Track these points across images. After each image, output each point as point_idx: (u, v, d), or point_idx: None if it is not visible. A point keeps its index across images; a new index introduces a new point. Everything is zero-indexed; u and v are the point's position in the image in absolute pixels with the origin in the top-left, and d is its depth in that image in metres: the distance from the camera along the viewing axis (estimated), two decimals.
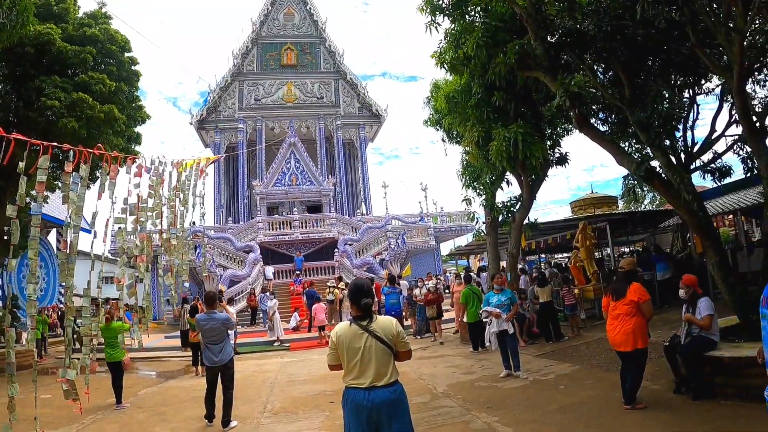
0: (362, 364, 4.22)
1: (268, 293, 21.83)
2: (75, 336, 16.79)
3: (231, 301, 21.22)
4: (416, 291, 17.12)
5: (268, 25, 40.72)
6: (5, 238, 17.33)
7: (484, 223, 15.90)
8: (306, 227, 33.12)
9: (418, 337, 16.28)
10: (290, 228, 32.78)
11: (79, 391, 7.23)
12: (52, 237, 30.36)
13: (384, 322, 4.40)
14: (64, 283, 7.45)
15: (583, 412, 6.83)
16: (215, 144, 39.00)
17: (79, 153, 7.29)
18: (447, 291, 23.93)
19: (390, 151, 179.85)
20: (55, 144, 7.16)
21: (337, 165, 40.24)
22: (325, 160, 39.62)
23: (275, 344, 17.87)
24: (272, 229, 32.90)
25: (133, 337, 19.86)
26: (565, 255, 33.04)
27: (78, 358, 7.53)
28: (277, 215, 35.19)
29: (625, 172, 10.35)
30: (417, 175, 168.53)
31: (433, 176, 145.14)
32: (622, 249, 28.16)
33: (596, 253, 18.19)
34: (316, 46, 40.92)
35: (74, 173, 7.29)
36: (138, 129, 18.67)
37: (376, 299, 16.10)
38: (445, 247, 43.33)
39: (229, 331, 9.28)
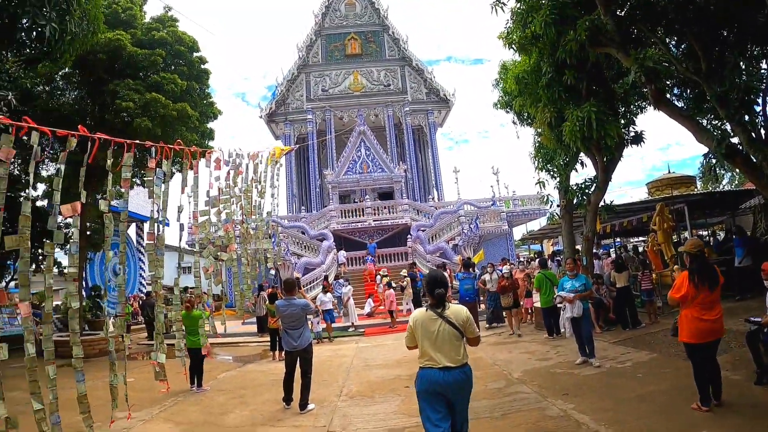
0: (436, 346, 4.69)
1: (341, 280, 22.12)
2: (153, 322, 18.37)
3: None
4: (486, 277, 16.04)
5: (330, 16, 41.14)
6: (88, 233, 18.13)
7: (558, 206, 15.58)
8: (378, 214, 33.35)
9: (488, 326, 15.39)
10: (363, 215, 33.07)
11: (171, 373, 7.94)
12: (131, 231, 31.72)
13: (456, 309, 4.86)
14: (153, 273, 7.81)
15: (661, 401, 6.60)
16: (285, 136, 39.78)
17: (160, 149, 7.56)
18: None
19: (459, 135, 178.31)
20: (137, 141, 7.44)
21: (407, 151, 40.18)
22: (395, 147, 39.68)
23: (350, 330, 18.18)
24: (345, 217, 33.31)
25: (210, 325, 20.93)
26: (641, 239, 31.71)
27: (173, 344, 8.36)
28: (349, 203, 35.57)
29: (703, 150, 9.83)
30: (487, 159, 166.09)
31: (504, 160, 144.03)
32: (700, 232, 26.79)
33: (674, 237, 17.44)
34: (380, 34, 41.00)
35: (157, 169, 7.58)
36: (210, 125, 19.08)
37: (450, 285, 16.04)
38: (518, 232, 42.67)
39: (312, 318, 9.54)
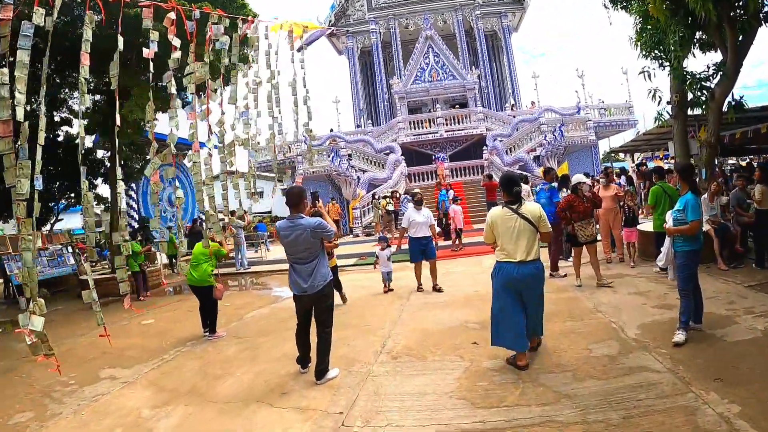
0: (512, 241, 5.23)
1: (408, 196, 19.63)
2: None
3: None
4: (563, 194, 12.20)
5: None
6: (121, 163, 16.96)
7: (668, 102, 12.22)
8: (450, 124, 30.39)
9: (553, 274, 10.26)
10: (433, 126, 30.25)
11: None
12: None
13: (530, 206, 5.37)
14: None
15: None
16: (348, 49, 37.39)
17: None
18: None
19: (534, 48, 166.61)
20: None
21: (480, 59, 36.46)
22: (466, 55, 36.10)
23: None
24: (414, 129, 30.61)
25: (269, 249, 21.54)
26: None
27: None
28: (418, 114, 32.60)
29: None
30: (567, 69, 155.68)
31: (586, 69, 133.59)
32: None
33: None
34: None
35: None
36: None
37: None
38: (602, 146, 37.97)
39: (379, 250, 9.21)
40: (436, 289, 9.92)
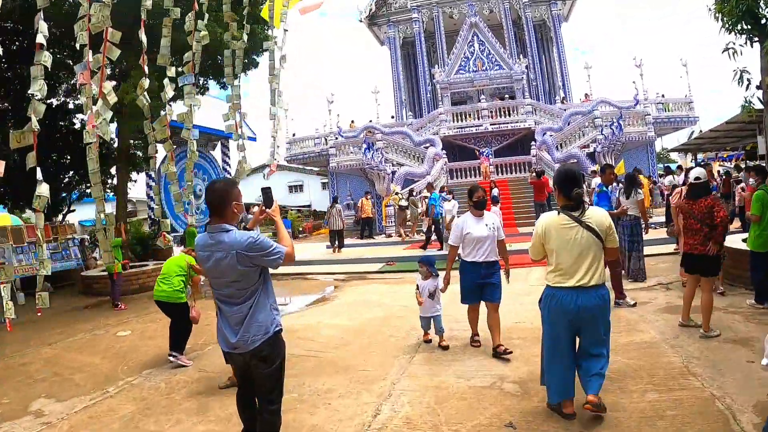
0: (571, 258, 3.95)
1: (444, 193, 17.50)
2: None
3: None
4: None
5: None
6: (131, 152, 15.94)
7: (758, 87, 9.76)
8: (496, 117, 28.06)
9: (619, 302, 7.79)
10: (478, 118, 27.98)
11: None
12: (216, 152, 29.22)
13: (596, 212, 4.09)
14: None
15: None
16: (389, 39, 35.63)
17: None
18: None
19: (582, 41, 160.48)
20: None
21: (529, 50, 33.91)
22: (514, 46, 33.55)
23: None
24: (457, 121, 28.44)
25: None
26: None
27: None
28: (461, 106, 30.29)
29: None
30: (619, 61, 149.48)
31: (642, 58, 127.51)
32: None
33: None
34: None
35: None
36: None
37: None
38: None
39: (422, 281, 6.55)
40: (499, 352, 5.86)
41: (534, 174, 18.09)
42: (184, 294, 6.84)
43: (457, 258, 6.28)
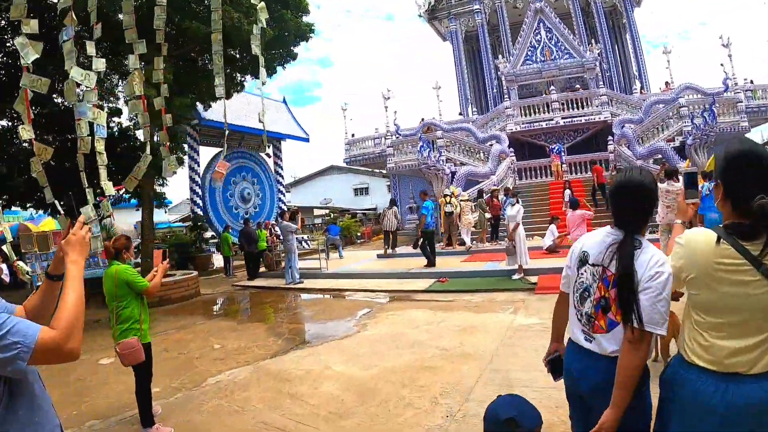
0: (734, 327, 1.88)
1: (508, 196, 15.13)
2: None
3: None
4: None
5: None
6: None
7: None
8: (568, 110, 25.31)
9: None
10: (548, 112, 25.36)
11: None
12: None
13: None
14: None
15: None
16: (450, 33, 33.41)
17: None
18: None
19: (658, 26, 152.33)
20: None
21: (600, 36, 30.76)
22: (584, 34, 30.36)
23: (514, 277, 11.18)
24: (525, 116, 25.88)
25: (341, 256, 19.34)
26: None
27: None
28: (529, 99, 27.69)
29: None
30: (700, 48, 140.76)
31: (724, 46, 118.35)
32: None
33: None
34: None
35: None
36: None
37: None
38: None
39: None
40: None
41: (615, 172, 15.43)
42: (133, 331, 4.66)
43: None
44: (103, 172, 4.19)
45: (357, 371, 5.94)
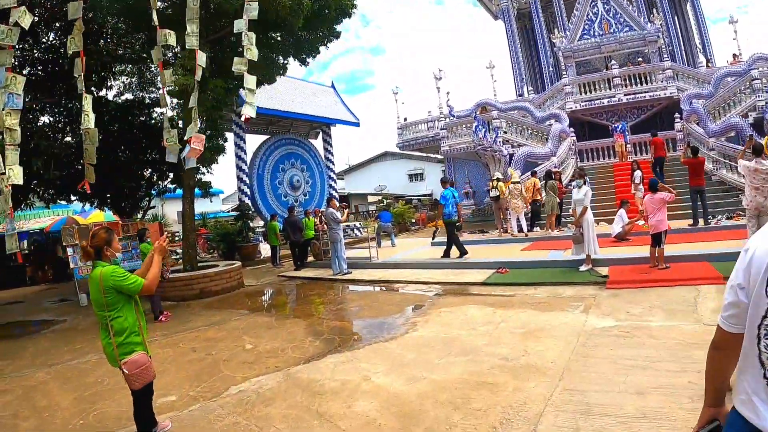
0: None
1: (576, 180, 13.92)
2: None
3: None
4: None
5: None
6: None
7: None
8: (630, 86, 23.68)
9: None
10: (609, 89, 23.83)
11: None
12: (317, 141, 27.30)
13: None
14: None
15: None
16: (503, 10, 32.06)
17: None
18: None
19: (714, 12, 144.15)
20: None
21: (660, 7, 28.76)
22: (642, 3, 28.40)
23: (581, 268, 9.95)
24: (584, 93, 24.42)
25: (394, 244, 18.61)
26: None
27: None
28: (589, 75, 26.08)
29: None
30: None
31: None
32: None
33: None
34: None
35: None
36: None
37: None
38: None
39: None
40: None
41: (689, 151, 13.88)
42: (128, 346, 3.92)
43: None
44: (10, 155, 3.48)
45: (400, 386, 5.06)
